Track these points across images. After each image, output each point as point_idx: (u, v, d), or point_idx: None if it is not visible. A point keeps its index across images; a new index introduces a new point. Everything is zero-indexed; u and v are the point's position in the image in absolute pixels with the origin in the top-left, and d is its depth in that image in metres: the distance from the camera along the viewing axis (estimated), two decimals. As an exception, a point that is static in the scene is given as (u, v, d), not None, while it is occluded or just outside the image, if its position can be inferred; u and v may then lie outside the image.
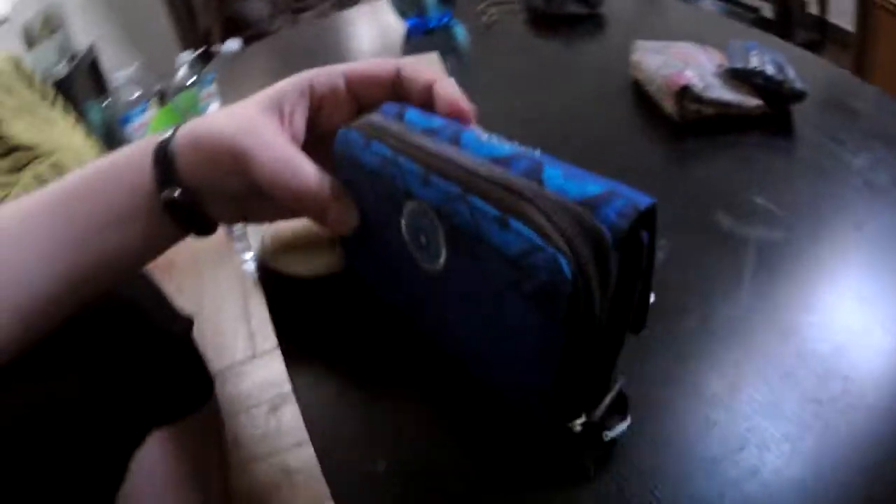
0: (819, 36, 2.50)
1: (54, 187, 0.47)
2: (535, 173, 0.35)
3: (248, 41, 2.36)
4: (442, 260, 0.39)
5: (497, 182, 0.34)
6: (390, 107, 0.44)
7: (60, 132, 1.22)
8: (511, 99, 0.85)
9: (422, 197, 0.38)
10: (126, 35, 2.98)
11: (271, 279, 0.59)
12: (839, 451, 0.38)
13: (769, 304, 0.48)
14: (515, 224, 0.33)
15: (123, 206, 0.45)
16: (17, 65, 1.29)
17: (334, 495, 0.41)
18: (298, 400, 0.49)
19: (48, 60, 2.18)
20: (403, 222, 0.40)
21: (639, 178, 0.62)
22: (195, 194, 0.45)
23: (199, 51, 2.73)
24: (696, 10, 1.11)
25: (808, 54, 0.81)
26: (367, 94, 0.47)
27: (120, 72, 2.67)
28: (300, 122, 0.46)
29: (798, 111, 0.69)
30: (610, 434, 0.38)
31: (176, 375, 0.63)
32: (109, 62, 2.89)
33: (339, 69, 0.47)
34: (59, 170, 1.09)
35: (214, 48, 2.73)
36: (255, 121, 0.44)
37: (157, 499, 0.63)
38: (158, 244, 0.48)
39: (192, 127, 0.45)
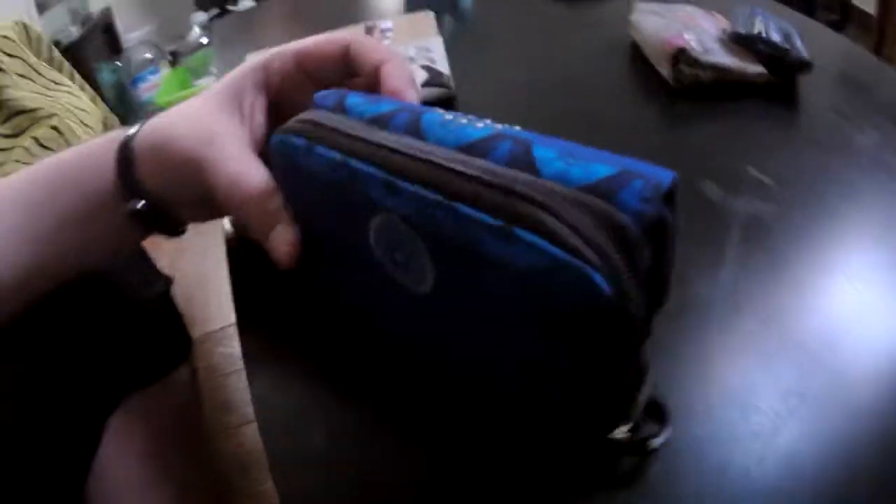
0: (841, 17, 2.50)
1: (23, 178, 0.46)
2: (523, 158, 0.28)
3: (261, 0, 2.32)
4: (430, 279, 0.33)
5: (484, 181, 0.28)
6: (326, 97, 0.38)
7: (63, 95, 1.20)
8: (506, 58, 0.82)
9: (388, 207, 0.31)
10: (143, -2, 2.96)
11: (243, 246, 0.56)
12: (815, 450, 0.34)
13: (753, 285, 0.44)
14: (522, 234, 0.26)
15: (88, 208, 0.44)
16: (25, 30, 1.28)
17: (272, 466, 0.39)
18: (248, 372, 0.47)
19: (59, 24, 2.16)
20: (372, 239, 0.34)
21: (625, 142, 0.58)
22: (160, 201, 0.43)
23: (215, 12, 2.70)
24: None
25: (822, 27, 0.76)
26: (320, 74, 0.45)
27: (134, 33, 2.66)
28: (260, 116, 0.45)
29: (807, 84, 0.64)
30: (657, 441, 0.34)
31: (150, 338, 0.64)
32: (125, 24, 2.88)
33: (289, 52, 0.45)
34: (58, 132, 1.10)
35: (230, 7, 2.70)
36: (214, 127, 0.42)
37: (132, 459, 0.63)
38: (126, 242, 0.48)
39: (153, 131, 0.43)
